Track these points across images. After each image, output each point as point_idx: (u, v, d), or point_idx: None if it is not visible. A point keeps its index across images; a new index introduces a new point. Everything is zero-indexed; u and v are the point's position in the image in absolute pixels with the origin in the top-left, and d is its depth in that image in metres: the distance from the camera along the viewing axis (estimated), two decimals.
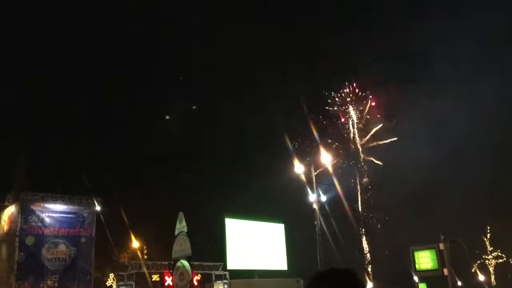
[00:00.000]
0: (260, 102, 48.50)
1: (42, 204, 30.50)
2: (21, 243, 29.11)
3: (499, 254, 51.04)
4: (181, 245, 15.27)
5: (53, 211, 30.75)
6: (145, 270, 32.44)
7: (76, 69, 52.34)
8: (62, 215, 31.00)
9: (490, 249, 51.46)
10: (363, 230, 46.56)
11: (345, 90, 46.60)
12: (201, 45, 56.08)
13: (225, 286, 33.60)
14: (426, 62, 48.72)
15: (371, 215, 45.90)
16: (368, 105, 45.86)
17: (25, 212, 29.76)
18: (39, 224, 29.97)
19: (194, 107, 50.42)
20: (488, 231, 50.39)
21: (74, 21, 59.51)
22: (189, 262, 14.79)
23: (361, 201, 46.43)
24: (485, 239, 51.23)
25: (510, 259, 50.15)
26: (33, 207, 30.11)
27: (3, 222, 32.15)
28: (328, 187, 35.86)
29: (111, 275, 38.15)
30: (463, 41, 46.94)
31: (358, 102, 46.39)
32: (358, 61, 50.22)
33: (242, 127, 49.11)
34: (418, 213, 41.78)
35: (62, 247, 30.32)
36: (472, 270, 48.86)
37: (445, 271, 19.09)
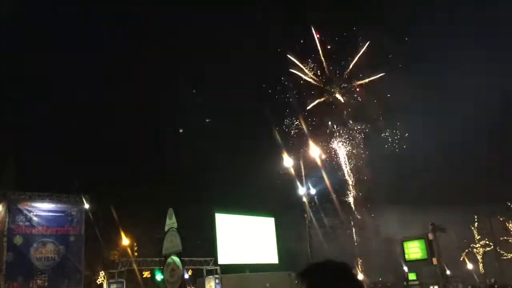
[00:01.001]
0: (248, 92, 48.34)
1: (29, 203, 30.17)
2: (9, 243, 28.79)
3: (487, 242, 51.69)
4: (172, 241, 15.26)
5: (41, 210, 30.45)
6: (135, 267, 32.38)
7: (66, 68, 51.69)
8: (50, 213, 30.70)
9: (477, 237, 52.09)
10: (352, 222, 46.92)
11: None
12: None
13: (217, 281, 33.66)
14: None
15: (361, 208, 46.23)
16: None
17: (12, 211, 29.42)
18: (27, 223, 29.65)
19: (183, 103, 50.23)
20: (476, 220, 50.99)
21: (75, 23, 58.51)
22: (180, 258, 14.79)
23: (350, 193, 46.75)
24: (472, 228, 51.84)
25: (498, 248, 50.84)
26: (21, 207, 29.78)
27: None
28: (318, 180, 35.97)
29: (102, 273, 38.03)
30: None
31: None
32: None
33: (230, 120, 49.01)
34: (406, 203, 42.10)
35: (50, 246, 30.05)
36: (461, 259, 49.51)
37: (434, 260, 19.35)
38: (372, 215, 45.99)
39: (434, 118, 42.32)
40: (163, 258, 16.32)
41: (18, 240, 29.11)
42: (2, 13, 39.43)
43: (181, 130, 48.96)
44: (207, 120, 49.17)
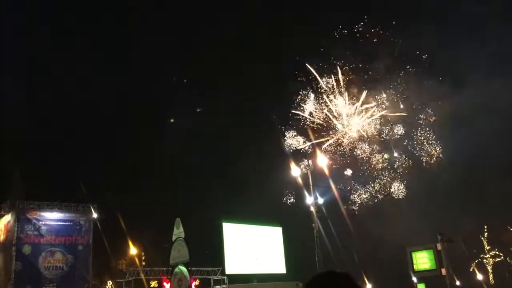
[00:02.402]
0: (255, 105, 48.39)
1: (38, 213, 30.38)
2: (18, 252, 28.98)
3: (497, 253, 51.17)
4: (179, 251, 15.27)
5: (49, 219, 30.64)
6: (143, 276, 32.37)
7: (72, 79, 52.14)
8: (59, 223, 30.89)
9: (487, 248, 51.57)
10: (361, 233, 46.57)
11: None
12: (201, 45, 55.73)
13: None
14: None
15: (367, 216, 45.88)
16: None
17: (21, 221, 29.64)
18: (36, 232, 29.85)
19: (190, 113, 50.41)
20: (486, 230, 50.53)
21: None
22: (187, 268, 14.79)
23: (357, 202, 46.47)
24: (482, 238, 51.35)
25: (508, 258, 50.30)
26: (29, 216, 29.99)
27: None
28: (325, 189, 35.86)
29: (109, 283, 38.05)
30: None
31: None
32: None
33: (238, 130, 49.07)
34: (414, 213, 41.80)
35: (58, 255, 30.19)
36: (470, 270, 48.97)
37: (443, 271, 19.18)
38: (380, 224, 45.66)
39: (449, 128, 41.94)
40: (170, 268, 16.34)
41: (26, 249, 29.28)
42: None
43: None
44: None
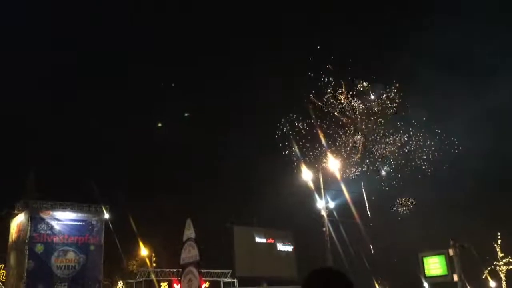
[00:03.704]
0: (265, 108, 48.43)
1: (51, 212, 30.71)
2: (31, 251, 29.28)
3: (510, 260, 50.42)
4: (189, 252, 15.34)
5: (62, 219, 30.94)
6: (153, 277, 32.51)
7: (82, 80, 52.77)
8: (71, 223, 31.18)
9: (501, 255, 50.84)
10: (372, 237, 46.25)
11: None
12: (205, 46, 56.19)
13: None
14: None
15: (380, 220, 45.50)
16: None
17: (34, 220, 29.97)
18: (48, 232, 30.15)
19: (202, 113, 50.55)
20: (499, 237, 49.83)
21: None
22: (197, 269, 14.83)
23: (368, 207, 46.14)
24: (495, 245, 50.66)
25: None
26: (42, 215, 30.31)
27: (12, 231, 32.37)
28: (337, 193, 35.71)
29: (120, 283, 38.26)
30: None
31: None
32: None
33: (250, 134, 49.14)
34: (426, 218, 41.42)
35: (71, 254, 30.45)
36: (483, 277, 48.33)
37: (455, 277, 18.98)
38: (391, 229, 45.30)
39: (461, 130, 41.56)
40: (180, 269, 16.40)
41: (39, 248, 29.57)
42: None
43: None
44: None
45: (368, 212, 45.03)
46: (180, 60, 59.32)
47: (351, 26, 48.16)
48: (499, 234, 49.54)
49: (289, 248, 39.42)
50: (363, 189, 43.14)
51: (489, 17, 45.45)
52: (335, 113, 43.99)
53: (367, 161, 44.47)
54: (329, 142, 44.26)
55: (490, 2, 45.14)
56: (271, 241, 38.34)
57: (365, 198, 44.18)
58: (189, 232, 15.74)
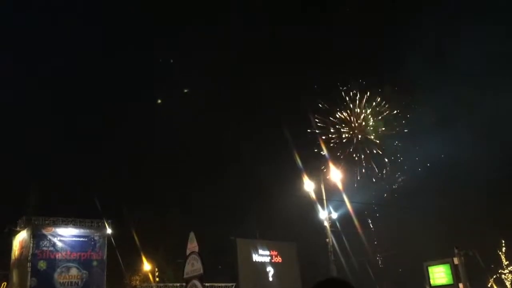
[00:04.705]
0: (269, 120, 48.54)
1: (53, 229, 30.64)
2: (33, 268, 29.15)
3: None
4: (193, 265, 15.28)
5: (64, 235, 30.86)
6: None
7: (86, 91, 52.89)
8: (74, 238, 31.09)
9: (505, 263, 50.51)
10: (376, 247, 46.11)
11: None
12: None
13: None
14: None
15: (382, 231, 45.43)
16: None
17: (36, 237, 29.88)
18: (51, 248, 30.05)
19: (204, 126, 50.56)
20: (503, 244, 49.54)
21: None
22: (201, 282, 14.77)
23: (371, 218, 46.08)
24: (500, 253, 50.35)
25: None
26: (45, 232, 30.24)
27: (14, 248, 32.28)
28: (339, 204, 35.65)
29: None
30: None
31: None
32: None
33: (251, 146, 49.12)
34: (430, 226, 41.26)
35: (74, 271, 30.32)
36: (489, 285, 47.99)
37: (461, 286, 18.86)
38: (395, 238, 45.15)
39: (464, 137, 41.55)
40: (184, 284, 16.31)
41: (42, 265, 29.45)
42: None
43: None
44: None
45: (371, 224, 45.02)
46: None
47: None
48: (503, 241, 49.28)
49: (293, 260, 39.18)
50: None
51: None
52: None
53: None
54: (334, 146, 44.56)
55: None
56: (274, 253, 38.13)
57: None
58: (192, 245, 15.69)
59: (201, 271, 14.75)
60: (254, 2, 54.68)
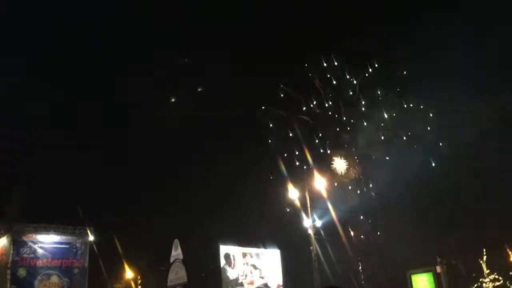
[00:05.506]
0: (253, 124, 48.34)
1: (34, 235, 30.20)
2: (13, 276, 28.67)
3: (496, 277, 50.76)
4: (177, 273, 15.18)
5: (45, 242, 30.44)
6: None
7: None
8: (55, 245, 30.68)
9: (487, 272, 51.18)
10: (359, 257, 46.25)
11: None
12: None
13: None
14: None
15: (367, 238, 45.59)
16: None
17: (17, 243, 29.42)
18: (32, 255, 29.59)
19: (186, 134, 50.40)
20: (485, 253, 50.22)
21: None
22: None
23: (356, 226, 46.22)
24: (481, 262, 51.02)
25: (508, 282, 49.88)
26: (25, 238, 29.78)
27: None
28: (323, 212, 35.81)
29: None
30: None
31: None
32: None
33: (233, 152, 49.05)
34: (412, 235, 41.58)
35: (54, 278, 29.88)
36: None
37: None
38: (379, 246, 45.40)
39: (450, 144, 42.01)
40: None
41: (22, 272, 28.98)
42: None
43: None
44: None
45: (351, 232, 45.20)
46: None
47: None
48: (484, 250, 49.95)
49: (277, 267, 39.20)
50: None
51: None
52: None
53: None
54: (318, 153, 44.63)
55: None
56: (258, 260, 38.14)
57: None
58: (177, 253, 15.59)
59: (186, 279, 14.65)
60: None
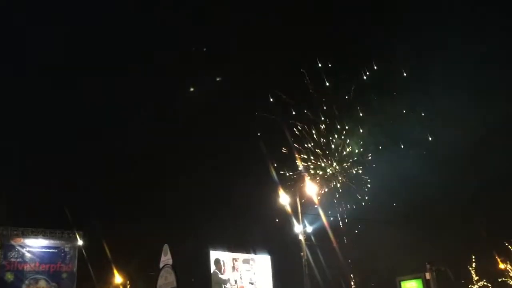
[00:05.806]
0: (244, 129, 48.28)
1: (22, 239, 29.87)
2: (0, 280, 28.33)
3: (485, 283, 51.08)
4: (166, 278, 15.06)
5: (33, 246, 30.11)
6: None
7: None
8: (43, 250, 30.36)
9: (475, 278, 51.47)
10: (350, 261, 46.30)
11: None
12: None
13: None
14: None
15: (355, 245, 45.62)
16: None
17: (4, 247, 29.09)
18: (19, 259, 29.25)
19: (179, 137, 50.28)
20: (474, 260, 50.51)
21: None
22: None
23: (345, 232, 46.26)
24: (470, 268, 51.30)
25: None
26: (13, 242, 29.45)
27: None
28: (314, 217, 35.81)
29: None
30: None
31: None
32: None
33: (225, 157, 49.02)
34: (402, 241, 41.74)
35: (42, 283, 29.54)
36: None
37: None
38: (369, 252, 45.47)
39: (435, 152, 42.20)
40: None
41: (9, 276, 28.65)
42: None
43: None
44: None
45: (345, 238, 45.21)
46: None
47: None
48: (473, 257, 50.25)
49: (267, 273, 39.06)
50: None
51: None
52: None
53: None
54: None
55: None
56: (248, 266, 37.97)
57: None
58: (166, 258, 15.48)
59: (175, 284, 14.55)
60: None
